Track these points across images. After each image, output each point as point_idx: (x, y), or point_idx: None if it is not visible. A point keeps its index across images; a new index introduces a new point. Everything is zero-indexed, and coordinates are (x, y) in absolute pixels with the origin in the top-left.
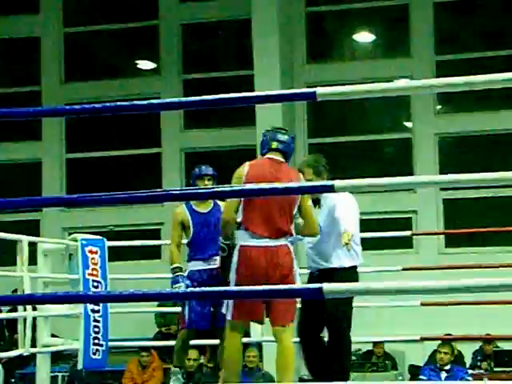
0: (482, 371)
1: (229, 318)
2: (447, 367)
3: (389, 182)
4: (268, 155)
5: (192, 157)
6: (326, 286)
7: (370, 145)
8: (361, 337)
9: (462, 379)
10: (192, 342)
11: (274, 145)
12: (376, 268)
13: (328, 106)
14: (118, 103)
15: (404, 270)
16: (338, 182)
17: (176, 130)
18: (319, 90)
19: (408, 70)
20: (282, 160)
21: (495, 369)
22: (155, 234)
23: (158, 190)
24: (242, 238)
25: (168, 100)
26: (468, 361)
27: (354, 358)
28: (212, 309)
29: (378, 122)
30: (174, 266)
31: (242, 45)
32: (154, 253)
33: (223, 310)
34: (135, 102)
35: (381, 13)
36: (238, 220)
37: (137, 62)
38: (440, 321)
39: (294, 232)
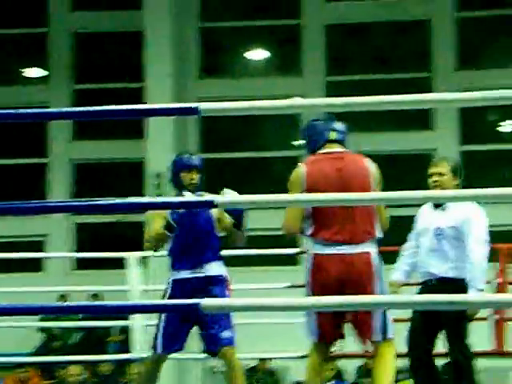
0: None
1: (313, 339)
2: (331, 383)
3: (275, 199)
4: (324, 149)
5: (80, 168)
6: (205, 302)
7: (261, 161)
8: (247, 353)
9: None
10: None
11: (333, 135)
12: (263, 285)
13: (220, 121)
14: (2, 111)
15: (291, 286)
16: (218, 198)
17: (65, 141)
18: (202, 105)
19: (299, 88)
20: (345, 150)
21: None
22: (38, 246)
23: (36, 201)
24: (314, 246)
25: (56, 110)
26: (351, 376)
27: None
28: (203, 331)
29: (269, 139)
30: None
31: (135, 56)
32: (36, 265)
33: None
34: (22, 111)
35: (274, 31)
36: (307, 230)
37: (25, 69)
38: None
39: (379, 233)
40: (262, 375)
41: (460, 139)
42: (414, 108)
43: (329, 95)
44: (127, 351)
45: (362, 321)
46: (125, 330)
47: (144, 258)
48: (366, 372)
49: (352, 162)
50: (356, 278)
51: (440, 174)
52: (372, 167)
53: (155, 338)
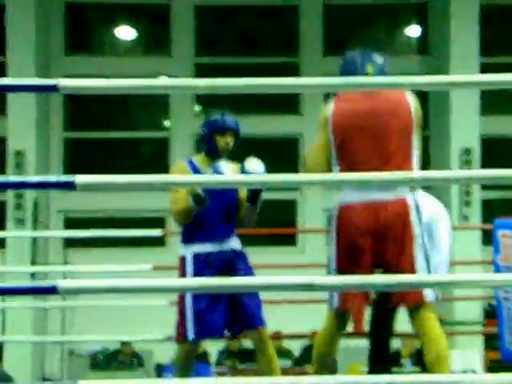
0: (225, 368)
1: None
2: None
3: (136, 180)
4: None
5: None
6: (62, 284)
7: (129, 142)
8: (109, 335)
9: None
10: None
11: (369, 68)
12: (126, 267)
13: (88, 99)
14: None
15: (155, 268)
16: (79, 178)
17: None
18: (61, 82)
19: (168, 69)
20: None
21: (239, 366)
22: None
23: None
24: (339, 194)
25: None
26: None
27: (100, 357)
28: (239, 311)
29: (137, 120)
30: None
31: None
32: None
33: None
34: None
35: (143, 10)
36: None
37: None
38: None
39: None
40: (125, 358)
41: None
42: (279, 92)
43: (197, 76)
44: None
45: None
46: None
47: (2, 238)
48: (228, 354)
49: (389, 99)
50: (390, 230)
51: None
52: (413, 103)
53: (182, 325)
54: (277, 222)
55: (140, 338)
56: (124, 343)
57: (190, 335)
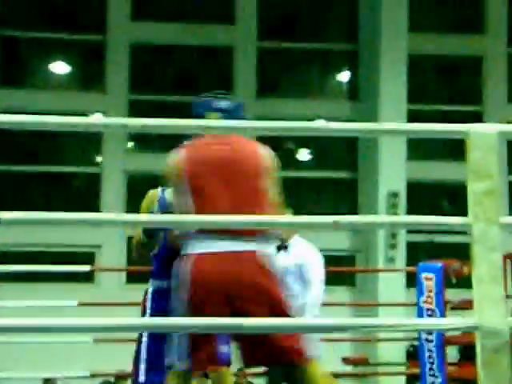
0: None
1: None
2: None
3: (61, 217)
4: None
5: None
6: None
7: (59, 177)
8: (31, 372)
9: None
10: None
11: (213, 115)
12: (51, 302)
13: (18, 132)
14: None
15: (80, 304)
16: (5, 214)
17: None
18: None
19: (102, 105)
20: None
21: None
22: None
23: None
24: (191, 244)
25: None
26: None
27: None
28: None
29: (69, 155)
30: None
31: None
32: None
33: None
34: None
35: (78, 46)
36: None
37: None
38: (112, 357)
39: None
40: None
41: None
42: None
43: (132, 113)
44: None
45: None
46: None
47: None
48: None
49: (240, 146)
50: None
51: None
52: (264, 152)
53: (135, 367)
54: None
55: (63, 374)
56: (47, 380)
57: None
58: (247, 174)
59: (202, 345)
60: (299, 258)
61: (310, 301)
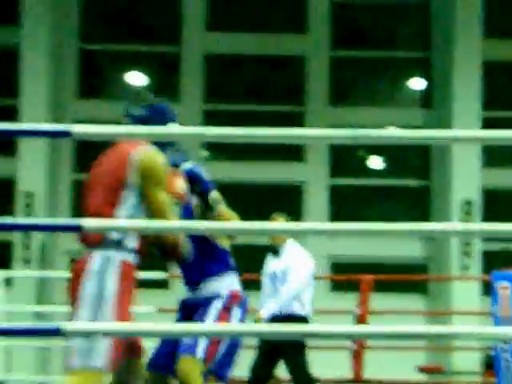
0: None
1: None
2: None
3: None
4: None
5: None
6: (66, 326)
7: None
8: None
9: None
10: None
11: (125, 120)
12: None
13: (96, 142)
14: None
15: (158, 311)
16: (87, 222)
17: None
18: (75, 128)
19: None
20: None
21: None
22: None
23: None
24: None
25: None
26: None
27: None
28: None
29: None
30: None
31: (11, 73)
32: None
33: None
34: None
35: (154, 57)
36: None
37: None
38: None
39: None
40: None
41: (329, 172)
42: (285, 142)
43: (205, 123)
44: None
45: None
46: None
47: (8, 278)
48: None
49: (116, 152)
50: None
51: None
52: (138, 155)
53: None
54: None
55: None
56: None
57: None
58: (102, 180)
59: None
60: (287, 262)
61: (278, 298)
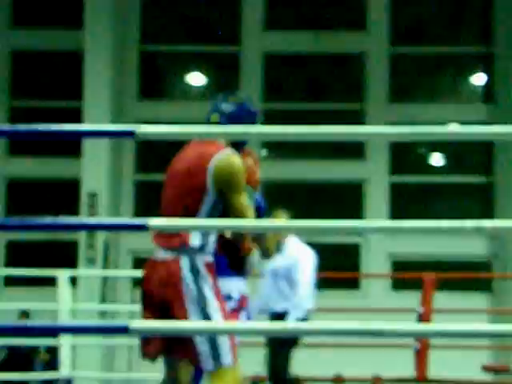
0: None
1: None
2: None
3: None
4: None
5: (14, 185)
6: (134, 324)
7: None
8: None
9: None
10: None
11: (214, 118)
12: None
13: (158, 142)
14: None
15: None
16: (152, 221)
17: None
18: (139, 129)
19: None
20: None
21: None
22: None
23: None
24: None
25: None
26: None
27: None
28: None
29: None
30: None
31: (74, 76)
32: None
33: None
34: None
35: (213, 57)
36: None
37: None
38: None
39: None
40: None
41: (390, 170)
42: (346, 140)
43: (265, 122)
44: (54, 369)
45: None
46: (52, 348)
47: (73, 277)
48: None
49: (193, 151)
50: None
51: None
52: (216, 162)
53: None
54: (340, 266)
55: None
56: None
57: None
58: (181, 183)
59: None
60: (290, 258)
61: (296, 302)
